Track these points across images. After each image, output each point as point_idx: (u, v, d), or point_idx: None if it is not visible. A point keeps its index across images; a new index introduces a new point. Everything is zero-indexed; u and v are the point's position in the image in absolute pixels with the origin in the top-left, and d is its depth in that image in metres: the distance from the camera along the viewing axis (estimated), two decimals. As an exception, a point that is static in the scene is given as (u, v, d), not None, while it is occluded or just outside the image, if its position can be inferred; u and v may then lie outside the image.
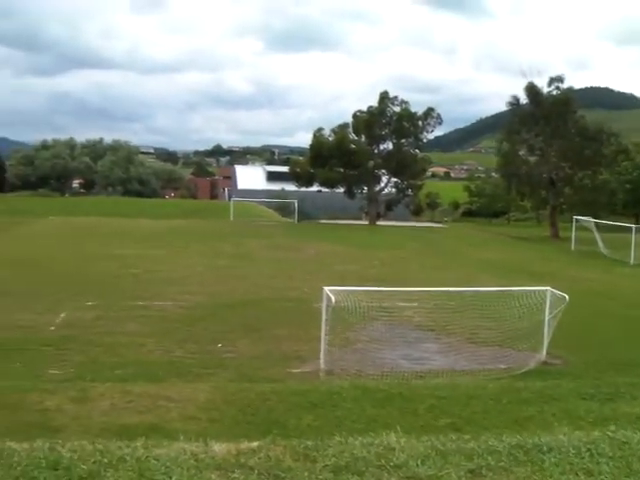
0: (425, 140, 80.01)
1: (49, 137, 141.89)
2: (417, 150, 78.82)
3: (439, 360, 18.67)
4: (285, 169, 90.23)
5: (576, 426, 9.70)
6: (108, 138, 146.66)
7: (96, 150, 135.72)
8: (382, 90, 76.01)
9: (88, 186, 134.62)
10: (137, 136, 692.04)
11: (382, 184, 77.79)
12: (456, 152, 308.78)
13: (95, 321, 22.28)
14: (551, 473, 5.73)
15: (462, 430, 10.49)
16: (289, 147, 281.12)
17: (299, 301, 26.11)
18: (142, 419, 12.30)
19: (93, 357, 18.01)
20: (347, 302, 17.53)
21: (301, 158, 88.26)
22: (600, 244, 51.63)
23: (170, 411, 12.80)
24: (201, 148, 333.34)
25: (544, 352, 18.57)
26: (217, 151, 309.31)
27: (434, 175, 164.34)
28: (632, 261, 44.48)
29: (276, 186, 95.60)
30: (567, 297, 18.03)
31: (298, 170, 78.22)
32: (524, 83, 67.67)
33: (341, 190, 77.06)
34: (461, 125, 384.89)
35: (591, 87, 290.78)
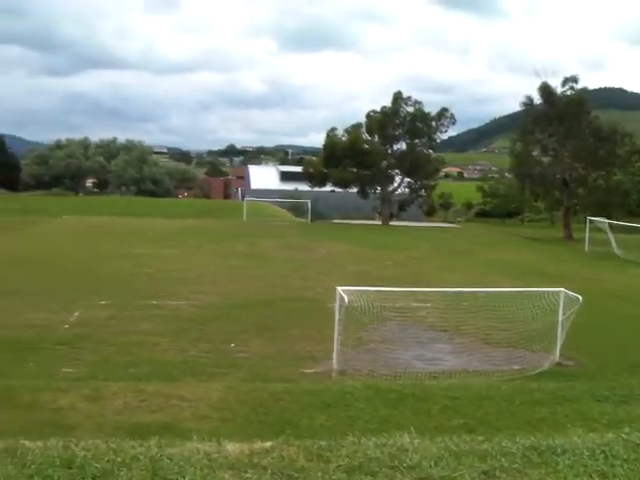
0: (438, 140, 79.93)
1: (63, 137, 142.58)
2: (430, 150, 78.71)
3: (452, 361, 18.64)
4: (298, 169, 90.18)
5: (590, 428, 9.66)
6: (122, 138, 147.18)
7: (110, 150, 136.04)
8: (396, 90, 75.96)
9: (102, 186, 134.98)
10: (151, 136, 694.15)
11: (395, 184, 77.70)
12: (469, 152, 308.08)
13: (109, 320, 22.34)
14: (565, 475, 5.70)
15: (475, 431, 10.47)
16: (302, 147, 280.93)
17: (312, 301, 26.11)
18: (155, 418, 12.32)
19: (106, 356, 18.06)
20: (360, 302, 17.52)
21: (314, 158, 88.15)
22: (614, 245, 51.39)
23: (183, 410, 12.82)
24: (214, 148, 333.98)
25: (557, 353, 18.52)
26: (230, 151, 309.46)
27: (447, 175, 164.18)
28: (646, 262, 44.25)
29: (289, 186, 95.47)
30: (581, 298, 17.98)
31: (311, 170, 78.19)
32: (538, 83, 67.46)
33: (354, 190, 76.96)
34: (475, 125, 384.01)
35: (605, 87, 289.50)
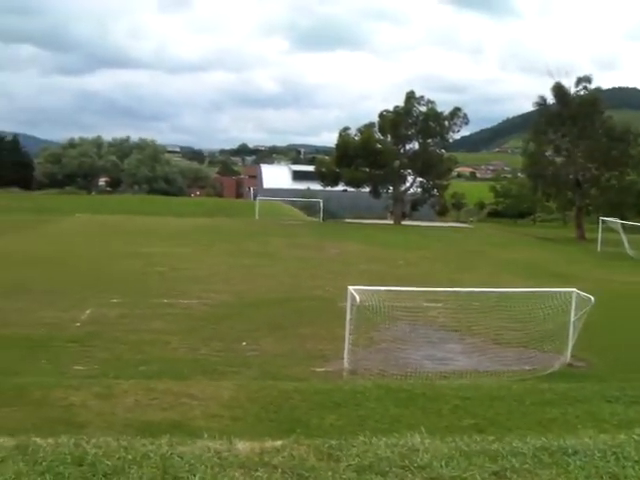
0: (451, 140, 79.96)
1: (76, 135, 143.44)
2: (443, 150, 78.74)
3: (463, 361, 18.62)
4: (311, 168, 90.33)
5: (600, 429, 9.63)
6: (135, 137, 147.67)
7: (123, 149, 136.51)
8: (408, 90, 76.14)
9: (114, 184, 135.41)
10: (163, 135, 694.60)
11: (408, 184, 77.75)
12: (482, 152, 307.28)
13: (120, 318, 22.40)
14: (576, 476, 5.68)
15: (486, 431, 10.44)
16: (315, 146, 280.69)
17: (323, 300, 26.12)
18: (165, 416, 12.34)
19: (118, 354, 18.10)
20: (371, 302, 17.51)
21: (327, 157, 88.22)
22: (627, 245, 51.24)
23: (193, 409, 12.83)
24: (227, 147, 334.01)
25: (569, 354, 18.46)
26: (243, 150, 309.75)
27: (460, 175, 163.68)
28: (659, 263, 44.12)
29: (302, 185, 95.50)
30: (593, 299, 17.92)
31: (324, 169, 78.29)
32: (551, 83, 67.34)
33: (367, 190, 77.04)
34: (487, 125, 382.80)
35: (619, 87, 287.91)
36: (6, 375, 14.94)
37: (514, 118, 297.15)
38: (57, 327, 20.76)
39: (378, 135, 76.22)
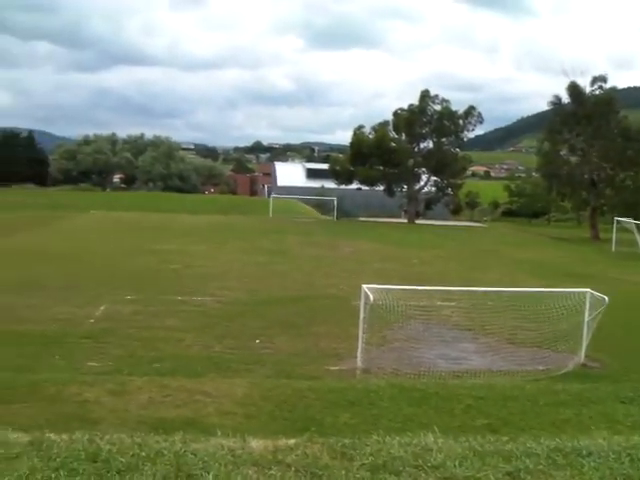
0: (465, 139, 79.92)
1: (91, 132, 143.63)
2: (457, 149, 78.71)
3: (476, 360, 18.57)
4: (325, 166, 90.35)
5: (614, 430, 9.62)
6: (149, 134, 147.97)
7: (137, 146, 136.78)
8: (423, 88, 76.15)
9: (129, 181, 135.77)
10: (177, 132, 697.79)
11: (422, 183, 77.71)
12: (496, 151, 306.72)
13: (134, 315, 22.44)
14: (590, 478, 5.66)
15: (499, 431, 10.43)
16: (329, 144, 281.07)
17: (337, 298, 26.11)
18: (179, 413, 12.36)
19: (131, 351, 18.12)
20: (385, 300, 17.48)
21: (341, 156, 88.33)
22: (641, 246, 51.08)
23: (207, 406, 12.84)
24: (241, 144, 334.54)
25: (583, 354, 18.39)
26: (257, 147, 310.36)
27: (474, 174, 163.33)
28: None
29: (316, 183, 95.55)
30: (607, 299, 17.84)
31: (338, 168, 78.32)
32: (566, 82, 67.19)
33: (381, 188, 77.04)
34: (502, 124, 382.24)
35: (634, 87, 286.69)
36: (21, 371, 14.98)
37: (529, 117, 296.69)
38: (71, 323, 20.82)
39: (392, 134, 76.24)
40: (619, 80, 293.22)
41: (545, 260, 44.24)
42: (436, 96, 75.71)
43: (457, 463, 5.77)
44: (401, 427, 10.81)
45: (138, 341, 19.08)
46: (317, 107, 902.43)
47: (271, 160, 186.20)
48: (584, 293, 18.66)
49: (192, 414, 12.33)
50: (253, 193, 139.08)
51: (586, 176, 67.79)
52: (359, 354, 17.45)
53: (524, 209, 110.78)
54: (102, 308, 23.09)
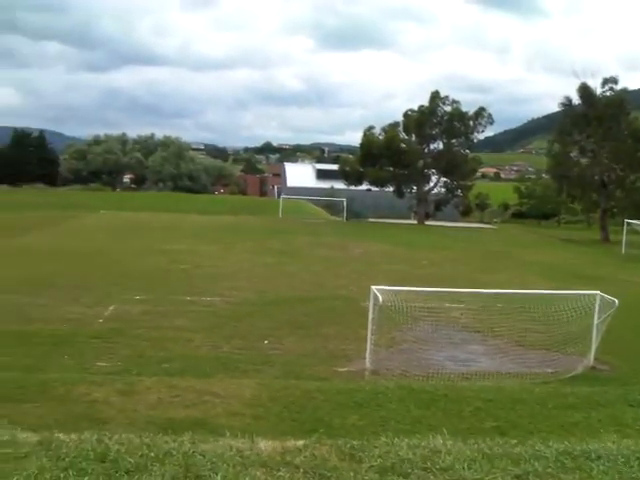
0: (475, 140, 79.73)
1: (102, 132, 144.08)
2: (467, 150, 78.51)
3: (485, 362, 18.54)
4: (335, 167, 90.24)
5: (623, 433, 9.58)
6: (159, 134, 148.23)
7: (147, 146, 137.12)
8: (433, 89, 75.98)
9: (139, 181, 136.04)
10: (187, 132, 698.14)
11: (432, 184, 77.62)
12: (507, 153, 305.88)
13: (143, 315, 22.48)
14: (599, 481, 5.66)
15: (508, 434, 10.41)
16: (339, 145, 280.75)
17: (346, 299, 26.11)
18: (188, 414, 12.36)
19: (140, 351, 18.15)
20: (394, 302, 17.47)
21: (351, 156, 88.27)
22: (652, 248, 50.90)
23: (216, 406, 12.84)
24: (251, 145, 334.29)
25: (592, 357, 18.33)
26: (267, 148, 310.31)
27: (484, 176, 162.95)
28: (685, 266, 43.69)
29: (325, 184, 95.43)
30: (617, 301, 17.79)
31: (348, 168, 78.25)
32: (577, 84, 66.98)
33: (390, 189, 76.96)
34: (512, 125, 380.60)
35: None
36: (30, 371, 15.03)
37: (539, 119, 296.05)
38: (80, 323, 20.88)
39: (402, 135, 76.15)
40: (630, 82, 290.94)
41: (555, 262, 44.13)
42: (446, 97, 75.61)
43: (466, 466, 5.77)
44: (410, 429, 10.81)
45: (147, 341, 19.12)
46: (327, 108, 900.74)
47: (281, 161, 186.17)
48: (594, 295, 18.61)
49: (201, 415, 12.34)
50: (263, 194, 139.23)
51: (596, 178, 67.59)
52: (368, 355, 17.44)
53: (534, 211, 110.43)
54: (111, 308, 23.14)
